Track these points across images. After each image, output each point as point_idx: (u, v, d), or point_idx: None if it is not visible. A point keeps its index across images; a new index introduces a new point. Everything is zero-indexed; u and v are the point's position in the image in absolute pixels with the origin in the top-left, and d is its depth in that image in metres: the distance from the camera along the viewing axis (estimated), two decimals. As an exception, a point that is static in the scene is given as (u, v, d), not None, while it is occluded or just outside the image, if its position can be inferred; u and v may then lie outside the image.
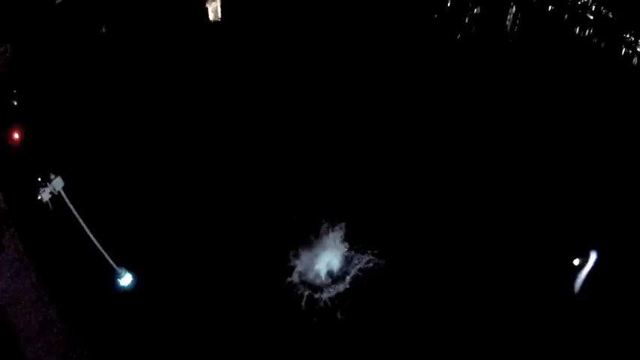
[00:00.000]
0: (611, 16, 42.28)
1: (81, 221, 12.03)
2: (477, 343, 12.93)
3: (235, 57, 23.22)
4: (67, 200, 11.74)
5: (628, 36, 35.32)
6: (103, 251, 12.22)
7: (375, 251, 14.79)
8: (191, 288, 13.07)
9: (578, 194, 17.15)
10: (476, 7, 32.38)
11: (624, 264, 14.70)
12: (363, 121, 19.69)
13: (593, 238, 15.48)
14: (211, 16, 26.71)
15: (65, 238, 12.83)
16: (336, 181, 16.84)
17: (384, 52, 25.10)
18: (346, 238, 15.19)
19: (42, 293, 12.15)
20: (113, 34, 23.13)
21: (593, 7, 41.38)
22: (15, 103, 18.97)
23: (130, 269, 12.61)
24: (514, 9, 32.91)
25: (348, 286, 14.24)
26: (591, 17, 39.91)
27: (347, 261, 14.82)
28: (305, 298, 13.78)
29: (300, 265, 14.47)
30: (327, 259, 14.68)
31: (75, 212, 11.88)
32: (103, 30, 23.13)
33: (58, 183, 11.95)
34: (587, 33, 36.16)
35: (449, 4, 32.32)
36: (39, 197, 12.56)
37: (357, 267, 14.63)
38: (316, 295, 13.88)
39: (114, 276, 12.51)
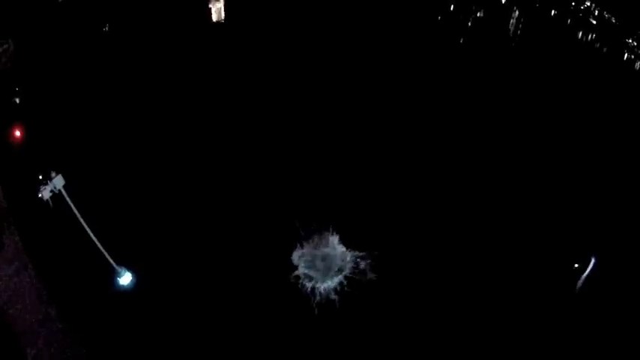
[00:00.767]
0: (613, 20, 42.34)
1: (81, 220, 12.02)
2: (475, 344, 12.91)
3: (238, 57, 23.21)
4: (67, 199, 11.72)
5: (630, 41, 35.31)
6: (103, 250, 12.20)
7: (375, 251, 14.80)
8: (190, 287, 13.06)
9: (578, 198, 17.13)
10: (479, 11, 32.39)
11: (623, 268, 14.68)
12: (366, 122, 19.69)
13: (592, 242, 15.44)
14: (215, 17, 26.70)
15: (65, 237, 12.81)
16: (336, 182, 16.88)
17: (387, 54, 25.09)
18: (347, 237, 15.25)
19: (41, 292, 12.12)
20: (116, 33, 23.14)
21: (596, 11, 41.41)
22: (17, 101, 18.98)
23: (129, 268, 12.57)
24: (517, 13, 32.92)
25: (349, 284, 14.28)
26: (594, 22, 39.95)
27: (347, 260, 14.81)
28: (303, 296, 13.82)
29: (299, 262, 14.51)
30: (328, 257, 14.71)
31: (75, 211, 11.87)
32: (106, 29, 23.12)
33: (58, 181, 11.95)
34: (589, 37, 36.18)
35: (452, 8, 32.32)
36: (40, 195, 12.58)
37: (357, 265, 14.64)
38: (316, 293, 13.89)
39: (114, 275, 12.47)
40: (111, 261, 12.26)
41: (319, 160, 17.60)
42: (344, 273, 14.53)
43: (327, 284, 14.22)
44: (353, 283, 14.27)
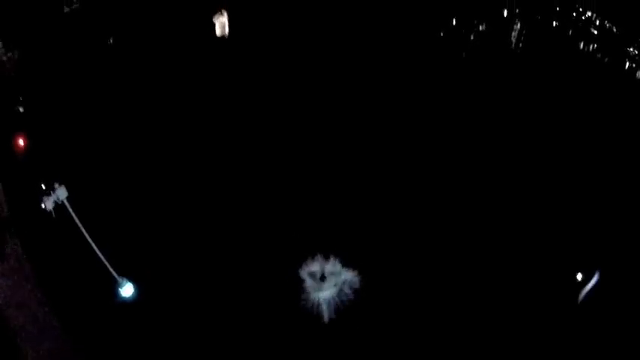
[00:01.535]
0: (614, 30, 42.43)
1: (84, 231, 12.06)
2: (475, 354, 12.87)
3: (242, 72, 23.26)
4: (70, 210, 11.76)
5: (632, 50, 35.36)
6: (105, 261, 12.22)
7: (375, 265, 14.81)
8: (193, 299, 13.05)
9: (582, 208, 17.05)
10: (481, 24, 32.50)
11: (628, 281, 14.63)
12: (372, 137, 19.71)
13: (597, 254, 15.37)
14: (218, 31, 26.79)
15: (67, 248, 12.83)
16: (336, 190, 16.99)
17: (389, 71, 25.13)
18: (347, 244, 15.18)
19: (43, 302, 12.14)
20: (120, 45, 23.24)
21: (597, 21, 41.52)
22: (21, 110, 19.10)
23: (131, 279, 12.58)
24: (519, 25, 32.99)
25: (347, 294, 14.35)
26: (595, 32, 40.05)
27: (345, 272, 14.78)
28: (306, 308, 13.78)
29: (301, 274, 14.48)
30: (328, 265, 14.70)
31: (78, 222, 11.90)
32: (111, 41, 23.22)
33: (61, 192, 12.01)
34: (591, 48, 36.29)
35: (454, 22, 32.45)
36: (42, 206, 12.64)
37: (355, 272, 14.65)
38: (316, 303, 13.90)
39: (115, 286, 12.48)
40: (113, 272, 12.27)
41: (322, 173, 17.68)
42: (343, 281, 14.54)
43: (325, 294, 14.22)
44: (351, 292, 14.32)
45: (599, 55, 36.03)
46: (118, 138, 17.75)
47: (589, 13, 40.55)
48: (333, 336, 13.42)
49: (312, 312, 13.71)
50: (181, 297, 12.92)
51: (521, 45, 31.97)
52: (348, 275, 14.59)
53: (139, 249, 13.44)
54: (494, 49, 30.59)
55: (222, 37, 26.78)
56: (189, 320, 12.63)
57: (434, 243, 15.55)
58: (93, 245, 12.02)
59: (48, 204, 12.32)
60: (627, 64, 34.47)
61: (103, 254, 12.18)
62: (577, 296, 14.36)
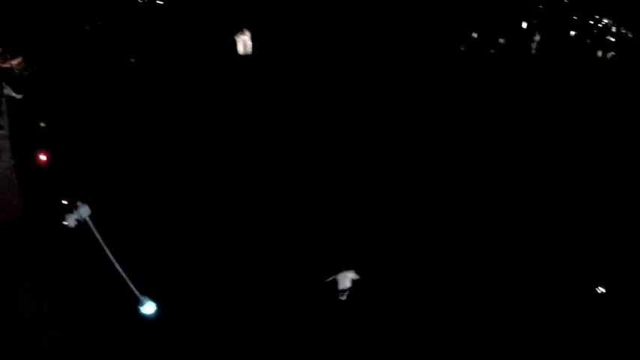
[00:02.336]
0: (630, 35, 42.07)
1: (106, 249, 12.05)
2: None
3: (264, 90, 23.41)
4: (93, 228, 11.79)
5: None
6: (127, 279, 12.20)
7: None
8: (214, 318, 13.02)
9: (589, 226, 16.74)
10: (501, 38, 32.52)
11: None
12: (384, 155, 19.71)
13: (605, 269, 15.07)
14: (241, 49, 27.05)
15: (89, 265, 12.89)
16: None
17: (411, 86, 25.18)
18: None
19: (64, 321, 12.18)
20: (142, 63, 23.55)
21: (613, 28, 41.18)
22: (42, 125, 19.34)
23: (153, 298, 12.55)
24: (538, 36, 32.94)
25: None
26: (612, 39, 39.71)
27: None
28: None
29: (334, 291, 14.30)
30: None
31: (100, 240, 11.91)
32: (133, 60, 23.60)
33: (84, 210, 12.04)
34: (608, 55, 35.99)
35: (475, 36, 32.45)
36: (64, 222, 12.69)
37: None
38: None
39: (137, 304, 12.45)
40: (134, 290, 12.24)
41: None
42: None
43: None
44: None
45: (616, 63, 35.82)
46: (142, 157, 17.93)
47: (605, 20, 40.36)
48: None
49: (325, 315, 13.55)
50: (203, 316, 12.92)
51: (541, 56, 31.91)
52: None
53: (161, 268, 13.51)
54: (515, 62, 30.62)
55: (245, 54, 27.06)
56: (210, 339, 12.60)
57: (435, 243, 15.50)
58: (115, 263, 12.00)
59: (70, 221, 12.34)
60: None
61: (125, 272, 12.15)
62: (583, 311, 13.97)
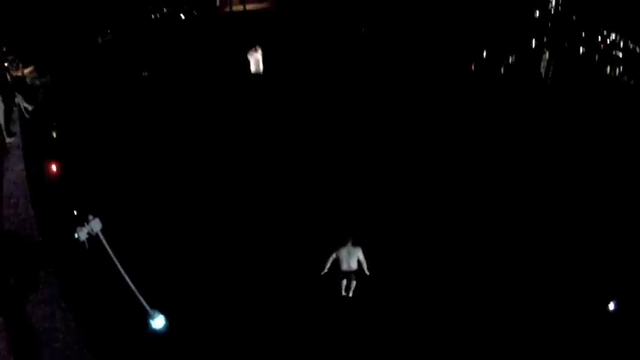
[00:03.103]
0: (638, 50, 42.04)
1: (117, 263, 12.10)
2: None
3: (276, 110, 23.46)
4: (104, 242, 11.84)
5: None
6: (137, 293, 12.24)
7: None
8: (224, 332, 13.01)
9: (597, 244, 16.62)
10: (510, 56, 32.61)
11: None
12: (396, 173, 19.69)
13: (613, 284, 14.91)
14: (253, 68, 27.25)
15: (100, 278, 12.93)
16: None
17: (421, 106, 25.21)
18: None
19: (76, 333, 12.17)
20: (154, 78, 23.68)
21: (621, 43, 41.20)
22: (54, 136, 19.50)
23: (163, 312, 12.59)
24: (547, 55, 33.01)
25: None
26: (620, 54, 39.71)
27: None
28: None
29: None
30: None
31: (112, 254, 11.96)
32: (145, 74, 23.77)
33: (96, 224, 12.07)
34: (617, 71, 35.95)
35: (484, 56, 32.53)
36: (76, 236, 12.74)
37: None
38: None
39: (147, 318, 12.49)
40: (145, 304, 12.28)
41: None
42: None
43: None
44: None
45: (624, 79, 35.77)
46: (153, 170, 17.99)
47: (613, 36, 40.39)
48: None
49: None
50: (213, 330, 12.92)
51: (550, 75, 31.93)
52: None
53: (171, 282, 13.55)
54: (525, 81, 30.62)
55: (257, 73, 27.24)
56: (218, 352, 12.58)
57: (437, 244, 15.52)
58: (126, 277, 12.05)
59: (81, 235, 12.38)
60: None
61: (135, 286, 12.19)
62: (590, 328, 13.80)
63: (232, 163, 19.47)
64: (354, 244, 14.33)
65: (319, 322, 13.47)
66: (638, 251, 15.46)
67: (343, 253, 14.28)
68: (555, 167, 20.44)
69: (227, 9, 54.25)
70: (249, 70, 27.22)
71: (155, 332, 12.50)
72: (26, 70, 27.28)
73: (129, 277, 12.27)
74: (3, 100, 20.81)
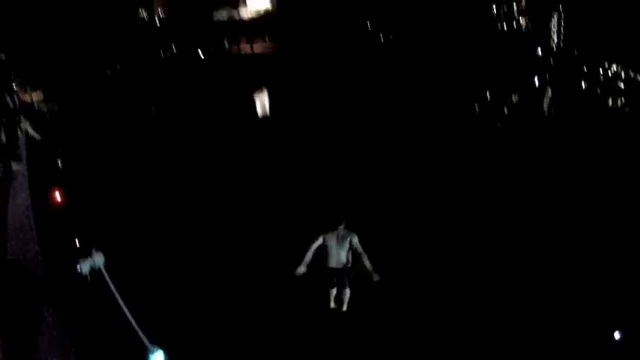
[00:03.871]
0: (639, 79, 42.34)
1: (118, 297, 12.13)
2: None
3: (282, 154, 23.63)
4: (107, 277, 11.90)
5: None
6: (137, 328, 12.22)
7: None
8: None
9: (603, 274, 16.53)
10: (514, 95, 32.97)
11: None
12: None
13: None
14: (260, 112, 27.69)
15: (100, 311, 12.93)
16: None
17: (426, 147, 25.40)
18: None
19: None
20: (162, 115, 24.05)
21: (623, 73, 41.55)
22: (59, 163, 19.70)
23: (162, 347, 12.53)
24: (550, 92, 33.35)
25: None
26: (622, 85, 40.00)
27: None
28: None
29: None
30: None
31: (113, 288, 12.01)
32: (153, 110, 24.15)
33: (99, 259, 12.17)
34: (619, 102, 36.19)
35: (488, 96, 32.93)
36: (78, 269, 12.80)
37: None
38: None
39: (146, 353, 12.43)
40: (144, 339, 12.23)
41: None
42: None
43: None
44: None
45: (627, 110, 35.99)
46: (159, 204, 18.03)
47: (615, 67, 40.76)
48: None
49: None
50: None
51: (553, 111, 32.19)
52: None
53: (170, 316, 13.53)
54: (528, 119, 30.91)
55: (264, 115, 27.65)
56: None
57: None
58: (126, 312, 12.06)
59: (84, 268, 12.46)
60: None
61: (135, 321, 12.17)
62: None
63: (237, 200, 19.54)
64: (349, 229, 11.05)
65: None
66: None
67: (332, 240, 10.84)
68: (561, 204, 20.45)
69: (235, 50, 56.00)
70: (256, 110, 27.62)
71: (154, 367, 12.44)
72: (34, 95, 27.60)
73: (129, 312, 12.28)
74: (9, 125, 21.00)
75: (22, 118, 23.22)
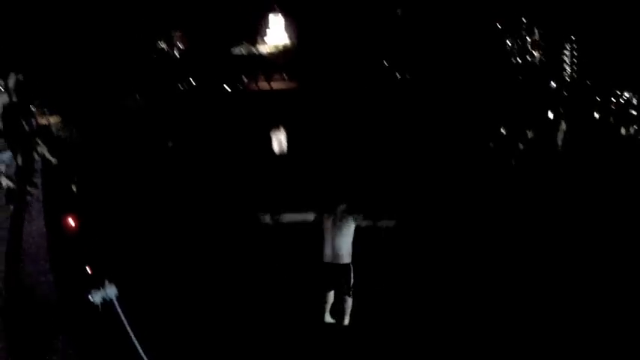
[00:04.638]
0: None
1: (128, 328, 12.23)
2: None
3: (301, 189, 23.79)
4: (118, 309, 12.02)
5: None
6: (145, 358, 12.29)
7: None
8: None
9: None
10: (529, 131, 33.15)
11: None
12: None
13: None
14: (276, 149, 28.00)
15: (110, 340, 13.02)
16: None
17: (441, 186, 25.46)
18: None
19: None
20: (178, 147, 24.49)
21: (634, 100, 41.57)
22: (74, 189, 20.02)
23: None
24: (564, 125, 33.49)
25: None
26: (634, 112, 39.96)
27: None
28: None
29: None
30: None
31: (124, 320, 12.12)
32: (170, 144, 24.59)
33: (111, 291, 12.29)
34: (632, 130, 36.09)
35: (504, 132, 33.12)
36: (90, 298, 12.93)
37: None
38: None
39: (154, 385, 12.47)
40: (153, 371, 12.31)
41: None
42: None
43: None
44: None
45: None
46: (173, 238, 18.09)
47: (626, 95, 40.77)
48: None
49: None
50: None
51: (568, 143, 32.28)
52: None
53: (182, 351, 13.56)
54: (543, 154, 30.97)
55: (281, 153, 27.94)
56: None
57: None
58: (137, 344, 12.15)
59: (96, 298, 12.59)
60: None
61: (145, 353, 12.27)
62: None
63: (251, 238, 19.55)
64: (350, 212, 9.16)
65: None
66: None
67: (327, 223, 9.09)
68: (576, 235, 20.31)
69: (254, 87, 56.99)
70: (273, 148, 27.86)
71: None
72: (52, 119, 28.09)
73: (139, 344, 12.37)
74: (26, 148, 21.30)
75: (39, 141, 23.55)
